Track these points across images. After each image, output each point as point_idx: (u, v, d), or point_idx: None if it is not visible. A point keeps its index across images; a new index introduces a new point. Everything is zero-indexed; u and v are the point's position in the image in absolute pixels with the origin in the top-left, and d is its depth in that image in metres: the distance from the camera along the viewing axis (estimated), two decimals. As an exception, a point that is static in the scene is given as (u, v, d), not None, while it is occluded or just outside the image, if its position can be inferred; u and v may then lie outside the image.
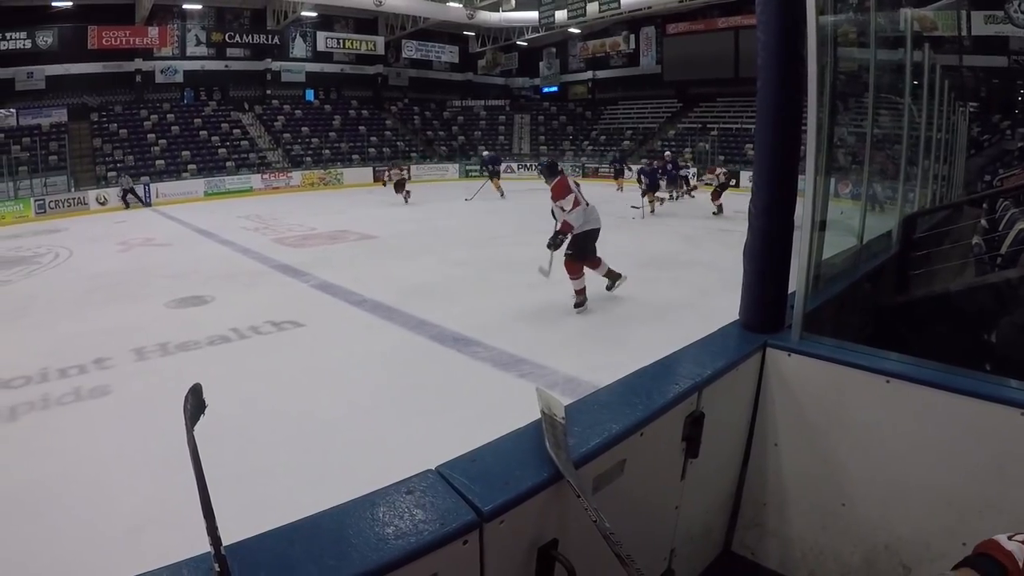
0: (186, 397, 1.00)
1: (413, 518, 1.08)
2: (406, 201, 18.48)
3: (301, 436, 3.98)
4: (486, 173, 21.19)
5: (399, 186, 19.46)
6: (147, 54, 27.62)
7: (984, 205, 9.27)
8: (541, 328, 6.13)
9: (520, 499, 1.17)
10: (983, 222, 7.31)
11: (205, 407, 1.01)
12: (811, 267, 2.02)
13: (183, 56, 28.76)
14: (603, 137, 32.05)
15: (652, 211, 14.89)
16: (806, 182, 2.02)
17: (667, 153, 16.91)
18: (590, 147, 31.74)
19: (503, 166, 23.91)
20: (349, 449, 3.76)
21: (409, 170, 21.28)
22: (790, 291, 2.14)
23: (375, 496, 1.13)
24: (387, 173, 21.62)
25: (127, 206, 21.56)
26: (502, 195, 19.58)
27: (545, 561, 1.24)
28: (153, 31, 26.80)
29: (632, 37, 32.28)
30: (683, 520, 1.81)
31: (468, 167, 28.62)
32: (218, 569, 0.84)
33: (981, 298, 3.53)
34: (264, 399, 4.56)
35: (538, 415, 1.39)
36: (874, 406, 1.79)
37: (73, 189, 21.73)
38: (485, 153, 24.78)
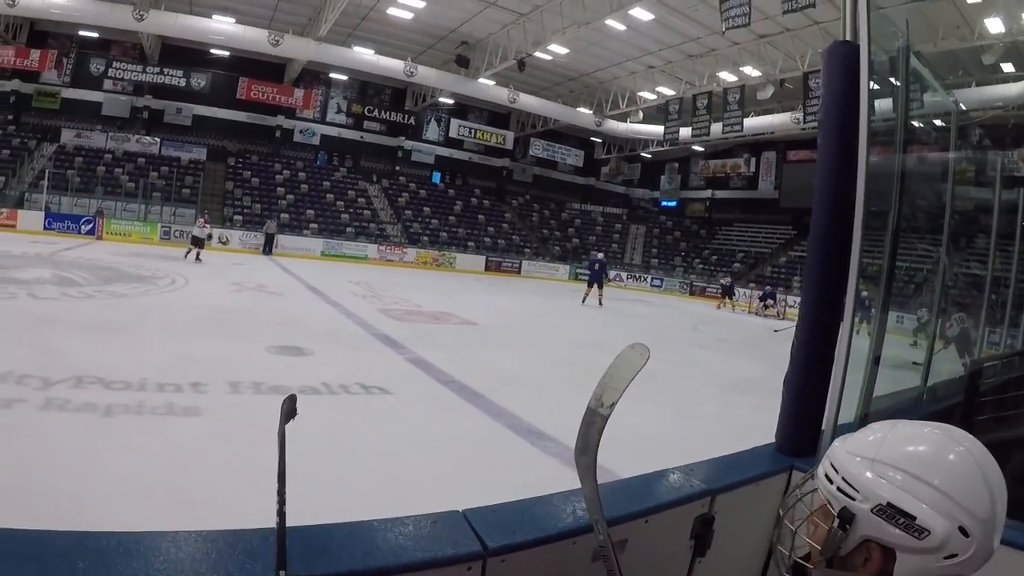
0: (284, 400, 1.16)
1: (431, 538, 1.30)
2: (197, 258, 17.19)
3: (368, 493, 4.14)
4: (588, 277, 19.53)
5: (196, 242, 17.64)
6: (289, 113, 30.09)
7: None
8: (616, 434, 6.15)
9: (523, 546, 1.36)
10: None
11: (296, 414, 1.15)
12: (841, 398, 2.12)
13: (322, 120, 31.16)
14: (715, 257, 31.89)
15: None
16: (845, 318, 2.16)
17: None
18: (701, 265, 31.62)
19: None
20: (407, 510, 3.92)
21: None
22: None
23: (406, 518, 1.36)
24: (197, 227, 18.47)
25: (269, 251, 23.64)
26: (600, 303, 18.47)
27: None
28: (298, 93, 29.11)
29: (753, 160, 32.63)
30: None
31: (578, 270, 29.15)
32: (277, 527, 1.05)
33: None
34: (340, 453, 4.77)
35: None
36: None
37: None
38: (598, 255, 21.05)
